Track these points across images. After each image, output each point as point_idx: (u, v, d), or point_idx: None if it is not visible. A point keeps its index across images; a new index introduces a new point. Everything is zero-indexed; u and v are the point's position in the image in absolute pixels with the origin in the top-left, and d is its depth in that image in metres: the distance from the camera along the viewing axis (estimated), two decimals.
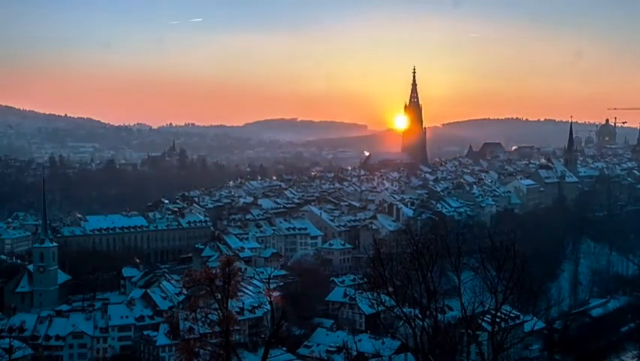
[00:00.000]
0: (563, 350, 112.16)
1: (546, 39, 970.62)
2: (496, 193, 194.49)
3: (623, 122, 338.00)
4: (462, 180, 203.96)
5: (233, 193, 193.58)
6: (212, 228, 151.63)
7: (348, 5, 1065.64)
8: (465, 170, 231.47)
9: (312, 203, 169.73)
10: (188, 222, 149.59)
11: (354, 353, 66.65)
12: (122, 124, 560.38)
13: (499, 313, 39.02)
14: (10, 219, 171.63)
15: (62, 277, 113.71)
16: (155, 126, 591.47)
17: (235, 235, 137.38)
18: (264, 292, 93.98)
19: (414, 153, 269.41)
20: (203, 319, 44.46)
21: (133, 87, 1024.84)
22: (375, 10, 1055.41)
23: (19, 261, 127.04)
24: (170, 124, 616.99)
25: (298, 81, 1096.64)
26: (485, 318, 52.16)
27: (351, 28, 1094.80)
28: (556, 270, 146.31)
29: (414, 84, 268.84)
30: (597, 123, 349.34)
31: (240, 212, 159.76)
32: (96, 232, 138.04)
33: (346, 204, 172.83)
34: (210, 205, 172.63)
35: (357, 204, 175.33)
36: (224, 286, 41.83)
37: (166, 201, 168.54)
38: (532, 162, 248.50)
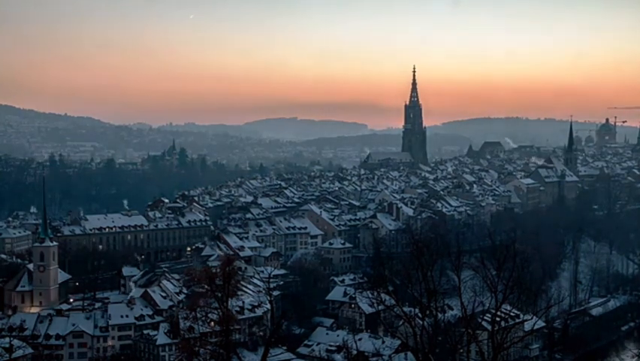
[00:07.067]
0: (563, 350, 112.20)
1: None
2: (496, 192, 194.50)
3: (623, 122, 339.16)
4: (462, 180, 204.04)
5: (233, 192, 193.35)
6: (212, 227, 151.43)
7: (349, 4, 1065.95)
8: (465, 169, 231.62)
9: (312, 202, 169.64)
10: (188, 222, 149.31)
11: (354, 352, 66.69)
12: (122, 123, 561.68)
13: (499, 313, 39.05)
14: (10, 219, 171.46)
15: (62, 276, 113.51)
16: (155, 125, 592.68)
17: (235, 234, 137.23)
18: (264, 292, 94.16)
19: (414, 152, 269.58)
20: (203, 318, 44.53)
21: (133, 86, 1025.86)
22: (375, 9, 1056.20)
23: (19, 260, 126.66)
24: (170, 123, 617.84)
25: (298, 80, 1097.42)
26: (485, 317, 52.26)
27: (352, 26, 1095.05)
28: (556, 269, 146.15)
29: (414, 83, 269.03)
30: (597, 122, 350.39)
31: (240, 211, 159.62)
32: (96, 231, 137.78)
33: (346, 203, 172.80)
34: (210, 204, 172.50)
35: (357, 203, 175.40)
36: (225, 285, 41.94)
37: (166, 201, 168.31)
38: (532, 161, 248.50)
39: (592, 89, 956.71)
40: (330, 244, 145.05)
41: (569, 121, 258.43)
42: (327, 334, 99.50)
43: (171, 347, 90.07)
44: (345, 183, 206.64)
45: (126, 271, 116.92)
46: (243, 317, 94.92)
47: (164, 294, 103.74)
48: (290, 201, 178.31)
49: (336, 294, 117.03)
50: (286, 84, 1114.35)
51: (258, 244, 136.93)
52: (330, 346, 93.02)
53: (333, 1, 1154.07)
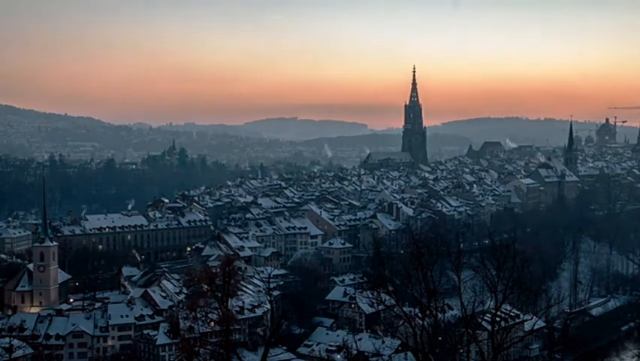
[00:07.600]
0: (563, 350, 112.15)
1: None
2: (496, 192, 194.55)
3: (623, 122, 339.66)
4: (462, 180, 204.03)
5: (233, 192, 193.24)
6: (212, 227, 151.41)
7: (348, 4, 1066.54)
8: (465, 169, 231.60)
9: (312, 202, 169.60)
10: (188, 222, 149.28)
11: (354, 352, 66.59)
12: (122, 123, 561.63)
13: (499, 313, 39.06)
14: (10, 219, 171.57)
15: (62, 276, 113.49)
16: (155, 125, 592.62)
17: (235, 234, 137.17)
18: (264, 292, 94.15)
19: (414, 152, 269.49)
20: (203, 318, 44.51)
21: (133, 86, 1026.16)
22: (375, 9, 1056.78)
23: (19, 260, 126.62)
24: (170, 123, 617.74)
25: (298, 80, 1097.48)
26: (485, 317, 52.28)
27: (353, 26, 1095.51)
28: (556, 269, 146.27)
29: (414, 83, 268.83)
30: (597, 122, 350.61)
31: (240, 211, 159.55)
32: (96, 231, 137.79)
33: (346, 203, 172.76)
34: (210, 204, 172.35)
35: (357, 203, 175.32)
36: (224, 286, 41.94)
37: (166, 201, 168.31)
38: (532, 161, 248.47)
39: (592, 89, 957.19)
40: (330, 244, 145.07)
41: (569, 121, 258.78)
42: (327, 334, 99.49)
43: (171, 347, 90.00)
44: (345, 182, 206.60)
45: (126, 271, 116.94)
46: (243, 317, 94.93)
47: (164, 294, 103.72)
48: (290, 201, 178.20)
49: (336, 294, 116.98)
50: (286, 84, 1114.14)
51: (258, 244, 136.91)
52: (330, 346, 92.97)
53: (334, 1, 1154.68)
